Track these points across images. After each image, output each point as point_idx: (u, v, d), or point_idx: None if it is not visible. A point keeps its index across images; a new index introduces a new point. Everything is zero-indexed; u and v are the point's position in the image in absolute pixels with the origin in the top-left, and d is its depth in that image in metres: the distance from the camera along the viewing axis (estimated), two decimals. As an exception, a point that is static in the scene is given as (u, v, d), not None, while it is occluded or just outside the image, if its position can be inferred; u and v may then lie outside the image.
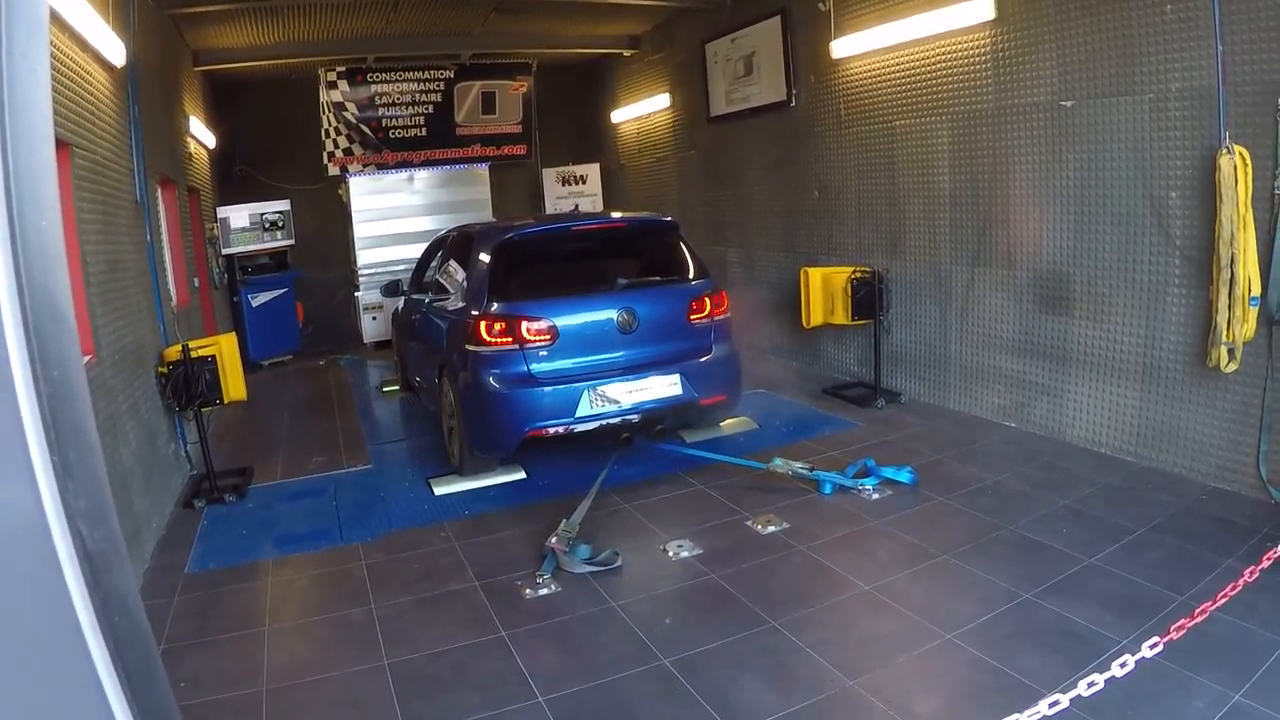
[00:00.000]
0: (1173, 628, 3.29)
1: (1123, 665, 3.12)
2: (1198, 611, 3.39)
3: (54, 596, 0.71)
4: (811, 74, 9.87)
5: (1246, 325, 5.47)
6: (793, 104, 10.28)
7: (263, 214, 13.22)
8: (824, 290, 8.76)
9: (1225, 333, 5.56)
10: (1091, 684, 3.05)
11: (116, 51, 6.68)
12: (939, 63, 7.91)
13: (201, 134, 12.05)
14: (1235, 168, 5.42)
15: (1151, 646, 3.19)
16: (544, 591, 5.13)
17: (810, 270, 8.89)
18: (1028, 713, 2.97)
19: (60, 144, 5.09)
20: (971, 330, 7.95)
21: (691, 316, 7.11)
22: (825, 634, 4.44)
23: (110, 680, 0.73)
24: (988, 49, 7.35)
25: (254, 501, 7.11)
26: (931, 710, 3.78)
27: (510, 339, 6.58)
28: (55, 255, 0.71)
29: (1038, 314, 7.23)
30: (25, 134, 0.68)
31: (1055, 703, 3.01)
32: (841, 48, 9.08)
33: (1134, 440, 6.51)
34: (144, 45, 8.07)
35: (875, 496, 6.20)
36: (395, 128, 14.97)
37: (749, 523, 5.92)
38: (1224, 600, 3.53)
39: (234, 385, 7.20)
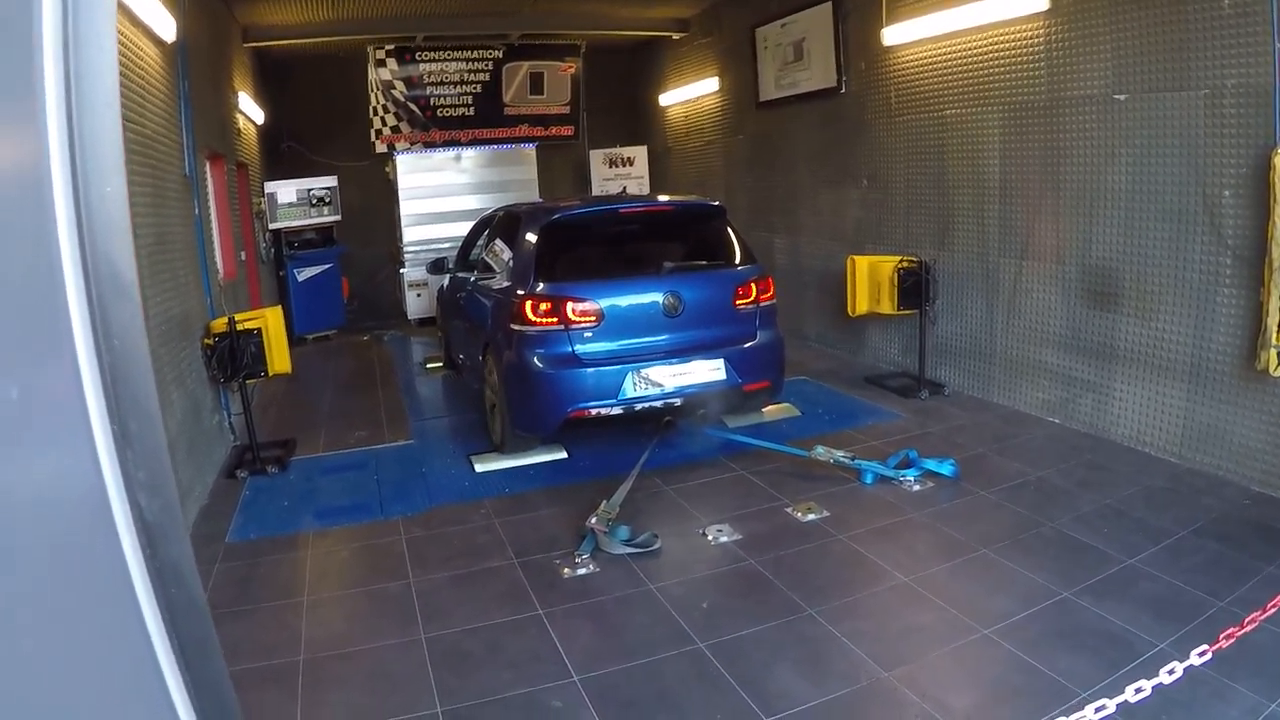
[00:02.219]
0: (1221, 636, 3.23)
1: (1170, 673, 3.07)
2: (1247, 621, 3.34)
3: (112, 566, 0.71)
4: (862, 61, 9.77)
5: (1298, 329, 5.38)
6: (843, 91, 10.18)
7: (310, 190, 13.31)
8: (870, 279, 8.69)
9: (1276, 335, 5.45)
10: (1139, 690, 3.01)
11: (167, 27, 6.73)
12: (991, 53, 7.79)
13: (250, 110, 12.15)
14: (1292, 167, 5.31)
15: (1200, 655, 3.14)
16: (582, 571, 5.15)
17: (857, 258, 8.82)
18: (1074, 717, 2.94)
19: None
20: (1018, 324, 7.86)
21: (737, 302, 7.08)
22: (862, 624, 4.42)
23: (164, 651, 0.73)
24: (1041, 40, 7.23)
25: (296, 473, 7.19)
26: (966, 706, 3.74)
27: (555, 319, 6.60)
28: (120, 223, 0.71)
29: (1085, 310, 7.12)
30: (90, 98, 0.68)
31: (1101, 708, 2.98)
32: (893, 35, 8.98)
33: (1178, 441, 6.41)
34: (194, 21, 8.14)
35: (916, 488, 6.15)
36: (443, 107, 14.99)
37: (789, 510, 5.90)
38: (1273, 610, 3.47)
39: (279, 358, 7.26)
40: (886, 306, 8.54)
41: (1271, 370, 5.52)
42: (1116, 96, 6.60)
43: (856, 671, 4.00)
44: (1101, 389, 7.02)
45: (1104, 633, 4.18)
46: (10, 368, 0.66)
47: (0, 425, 0.66)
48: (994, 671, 3.98)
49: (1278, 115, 5.43)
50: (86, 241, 0.67)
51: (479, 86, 15.11)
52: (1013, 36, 7.50)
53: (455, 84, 14.97)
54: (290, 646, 4.45)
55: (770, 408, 8.03)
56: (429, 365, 11.10)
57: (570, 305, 6.61)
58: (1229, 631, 3.25)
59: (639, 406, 6.74)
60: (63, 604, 0.70)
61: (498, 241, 8.05)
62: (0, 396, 0.65)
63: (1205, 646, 3.18)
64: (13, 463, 0.67)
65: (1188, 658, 3.13)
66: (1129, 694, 2.99)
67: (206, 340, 7.02)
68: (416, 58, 14.63)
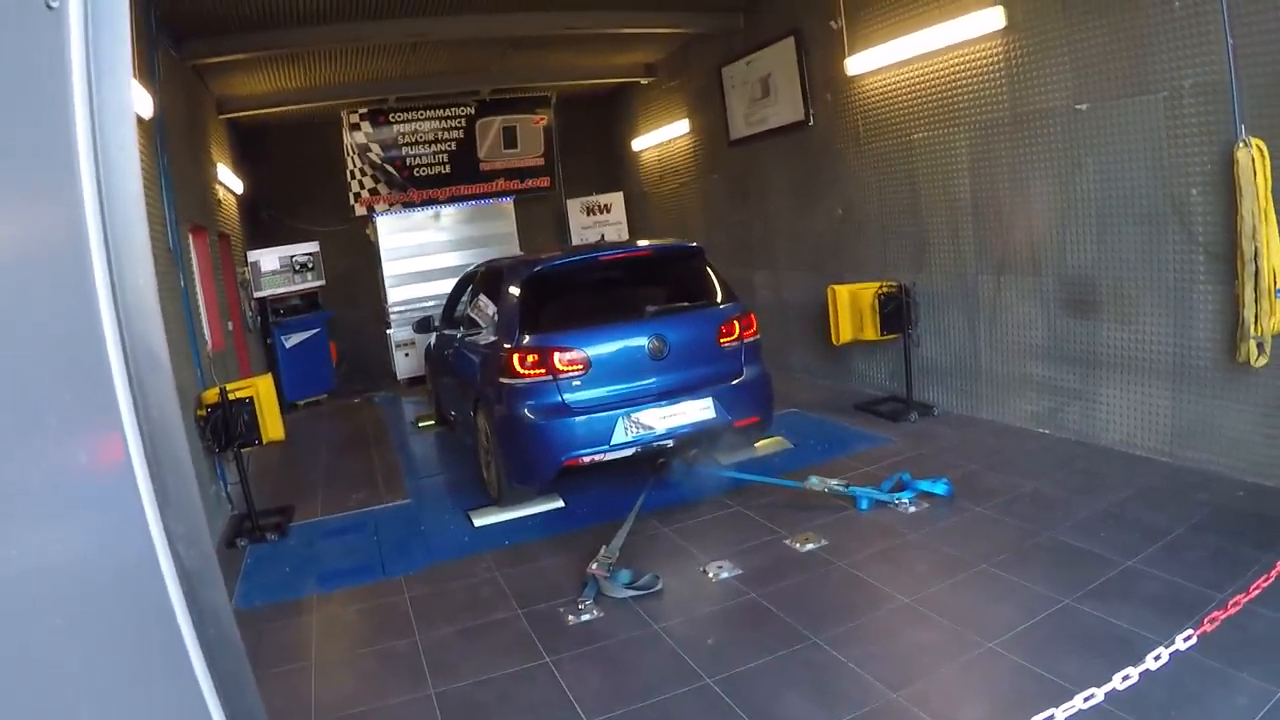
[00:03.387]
0: (1205, 620, 3.30)
1: (1156, 658, 3.13)
2: (1230, 604, 3.40)
3: (158, 610, 0.78)
4: (828, 92, 9.94)
5: (1274, 318, 5.48)
6: (811, 123, 10.35)
7: (293, 256, 13.39)
8: (852, 307, 8.79)
9: (1254, 327, 5.55)
10: (1126, 677, 3.07)
11: (144, 104, 6.84)
12: (953, 74, 7.96)
13: (229, 180, 12.27)
14: (1253, 160, 5.43)
15: (1186, 639, 3.21)
16: (586, 617, 5.17)
17: (837, 288, 8.92)
18: (1063, 708, 2.99)
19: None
20: (1000, 339, 7.96)
21: (721, 340, 7.15)
22: (868, 648, 4.46)
23: (207, 686, 0.80)
24: (1000, 57, 7.39)
25: (296, 539, 7.21)
26: (975, 719, 3.79)
27: (543, 370, 6.65)
28: (151, 309, 0.79)
29: (1065, 319, 7.23)
30: (121, 207, 0.76)
31: (1090, 696, 3.03)
32: (856, 64, 9.15)
33: (1168, 440, 6.49)
34: (170, 96, 8.26)
35: (912, 510, 6.20)
36: (419, 166, 15.17)
37: (787, 541, 5.94)
38: (1257, 592, 3.53)
39: (272, 425, 7.29)
40: (870, 333, 8.64)
41: (1253, 361, 5.62)
42: (1078, 106, 6.74)
43: (866, 695, 4.03)
44: (1088, 396, 7.11)
45: (1108, 635, 4.22)
46: (68, 438, 0.73)
47: (64, 488, 0.73)
48: (1002, 682, 4.02)
49: (1236, 111, 5.57)
50: (124, 327, 0.75)
51: (453, 144, 15.31)
52: (973, 56, 7.67)
53: (430, 143, 15.16)
54: (300, 711, 4.46)
55: (762, 442, 8.09)
56: (421, 424, 11.12)
57: (557, 355, 6.67)
58: (1212, 615, 3.31)
59: (632, 451, 6.78)
60: (120, 643, 0.77)
61: (481, 297, 8.12)
62: (65, 463, 0.73)
63: (1190, 631, 3.24)
64: (75, 520, 0.74)
65: (1173, 643, 3.19)
66: (1116, 682, 3.05)
67: (199, 411, 7.05)
68: (390, 119, 14.84)
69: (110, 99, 0.77)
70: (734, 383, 7.12)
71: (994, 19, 7.30)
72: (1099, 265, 6.84)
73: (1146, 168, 6.32)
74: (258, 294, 13.08)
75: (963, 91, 7.89)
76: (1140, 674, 3.11)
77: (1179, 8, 5.85)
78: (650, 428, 6.75)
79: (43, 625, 0.70)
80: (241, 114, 13.16)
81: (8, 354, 0.69)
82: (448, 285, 10.73)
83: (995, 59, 7.45)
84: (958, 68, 7.88)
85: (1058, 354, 7.35)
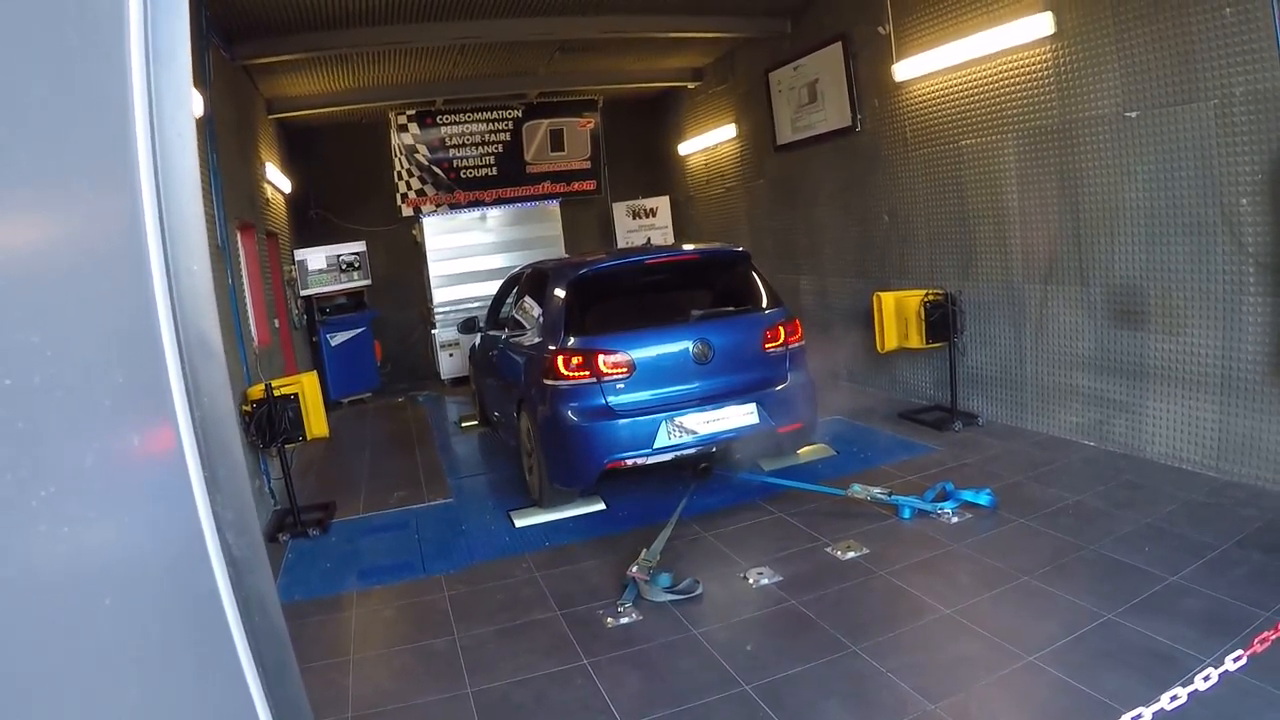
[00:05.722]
0: (1256, 640, 3.23)
1: (1206, 679, 3.08)
2: (1282, 625, 3.33)
3: (207, 596, 0.79)
4: (875, 98, 9.88)
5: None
6: (858, 129, 10.29)
7: (339, 255, 13.53)
8: (897, 314, 8.72)
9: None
10: (1174, 698, 3.02)
11: (196, 103, 6.92)
12: (1002, 80, 7.87)
13: (277, 180, 12.42)
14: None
15: (1235, 660, 3.15)
16: (625, 620, 5.17)
17: (883, 295, 8.86)
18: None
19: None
20: (1047, 349, 7.86)
21: (766, 345, 7.13)
22: (907, 658, 4.42)
23: (251, 674, 0.80)
24: (1049, 64, 7.30)
25: (337, 535, 7.27)
26: (1019, 734, 3.75)
27: (588, 372, 6.66)
28: (205, 296, 0.80)
29: (1112, 330, 7.12)
30: (178, 193, 0.77)
31: (1138, 716, 2.98)
32: (904, 70, 9.09)
33: (1215, 454, 6.37)
34: (220, 96, 8.37)
35: (955, 520, 6.14)
36: (466, 168, 15.25)
37: (829, 549, 5.91)
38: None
39: (316, 422, 7.36)
40: (915, 341, 8.57)
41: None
42: (1127, 114, 6.64)
43: (904, 705, 3.99)
44: (1134, 408, 7.00)
45: (1150, 651, 4.15)
46: (121, 422, 0.74)
47: (116, 471, 0.74)
48: (1041, 697, 3.97)
49: (1288, 118, 5.47)
50: (179, 314, 0.76)
51: (500, 146, 15.36)
52: (1021, 63, 7.58)
53: (477, 145, 15.23)
54: (338, 705, 4.49)
55: (805, 449, 8.05)
56: (464, 424, 11.19)
57: (601, 358, 6.68)
58: (1263, 635, 3.24)
59: (674, 454, 6.78)
60: (163, 628, 0.78)
61: (527, 299, 8.15)
62: (117, 446, 0.74)
63: (1240, 651, 3.18)
64: (125, 502, 0.75)
65: (1223, 663, 3.13)
66: (1164, 702, 2.99)
67: (244, 407, 7.13)
68: (437, 121, 14.92)
69: (168, 84, 0.77)
70: (778, 388, 7.10)
71: (1043, 25, 7.21)
72: (1147, 275, 6.74)
73: (1196, 176, 6.22)
74: (304, 292, 13.22)
75: (1011, 98, 7.80)
76: (1189, 694, 3.05)
77: (1230, 14, 5.74)
78: (693, 432, 6.74)
79: (93, 606, 0.70)
80: (290, 114, 13.32)
81: (64, 337, 0.70)
82: (492, 287, 10.80)
83: (1044, 65, 7.36)
84: (1006, 74, 7.80)
85: (1104, 365, 7.25)
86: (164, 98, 0.77)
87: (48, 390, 0.68)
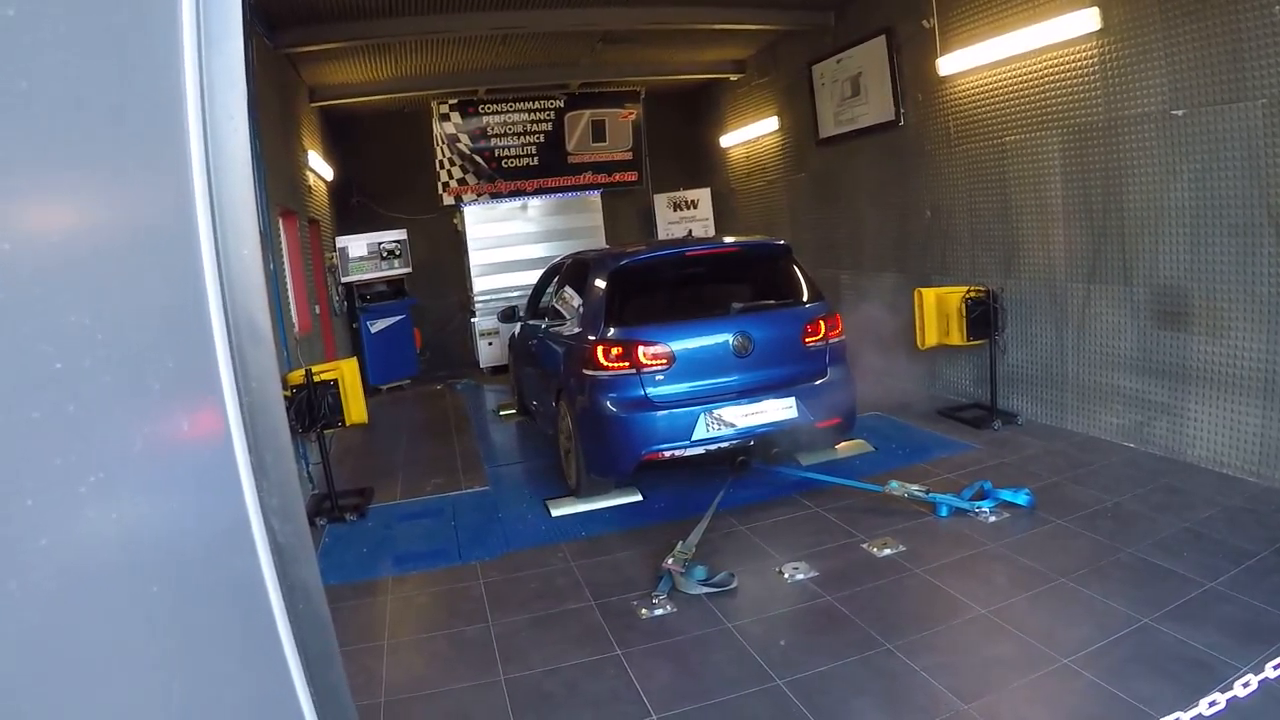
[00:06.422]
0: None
1: (1245, 685, 3.03)
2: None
3: (252, 584, 0.80)
4: (919, 92, 9.79)
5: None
6: (901, 123, 10.21)
7: (380, 243, 13.62)
8: (938, 311, 8.65)
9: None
10: (1213, 703, 2.98)
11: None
12: (1047, 76, 7.77)
13: (320, 167, 12.49)
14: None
15: (1276, 667, 3.10)
16: (659, 612, 5.17)
17: (924, 291, 8.78)
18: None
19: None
20: (1088, 349, 7.76)
21: (806, 339, 7.10)
22: (940, 657, 4.39)
23: (294, 662, 0.81)
24: (1095, 60, 7.20)
25: (374, 520, 7.32)
26: (1055, 736, 3.71)
27: (627, 363, 6.67)
28: (255, 281, 0.80)
29: (1155, 331, 7.02)
30: (228, 177, 0.77)
31: (1179, 721, 2.94)
32: (948, 64, 9.00)
33: (1256, 460, 6.26)
34: (263, 83, 8.43)
35: (992, 519, 6.09)
36: (508, 157, 15.29)
37: (865, 545, 5.88)
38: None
39: (355, 408, 7.40)
40: (956, 338, 8.49)
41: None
42: (1174, 112, 6.54)
43: (936, 705, 3.97)
44: (1176, 410, 6.90)
45: (1186, 657, 4.10)
46: (170, 405, 0.75)
47: (163, 454, 0.74)
48: (1074, 700, 3.92)
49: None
50: (228, 299, 0.77)
51: (542, 136, 15.40)
52: (1067, 58, 7.48)
53: (518, 135, 15.27)
54: (371, 689, 4.53)
55: (843, 444, 8.00)
56: (502, 412, 11.22)
57: (641, 349, 6.67)
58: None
59: (712, 447, 6.77)
60: (213, 617, 0.79)
61: (567, 288, 8.16)
62: (165, 429, 0.74)
63: (1280, 661, 3.13)
64: (173, 486, 0.76)
65: (1262, 670, 3.08)
66: (1203, 707, 2.96)
67: (285, 392, 7.17)
68: (479, 110, 14.96)
69: (220, 67, 0.77)
70: (817, 383, 7.07)
71: (1090, 21, 7.11)
72: (1192, 276, 6.63)
73: (1243, 176, 6.10)
74: (345, 279, 13.31)
75: (1056, 94, 7.70)
76: (1227, 700, 3.01)
77: (1279, 12, 5.64)
78: (732, 424, 6.73)
79: (141, 592, 0.71)
80: (333, 102, 13.40)
81: (115, 320, 0.70)
82: (532, 276, 10.83)
83: (1090, 62, 7.26)
84: (1052, 70, 7.70)
85: (1146, 366, 7.15)
86: (215, 80, 0.77)
87: (98, 373, 0.68)
